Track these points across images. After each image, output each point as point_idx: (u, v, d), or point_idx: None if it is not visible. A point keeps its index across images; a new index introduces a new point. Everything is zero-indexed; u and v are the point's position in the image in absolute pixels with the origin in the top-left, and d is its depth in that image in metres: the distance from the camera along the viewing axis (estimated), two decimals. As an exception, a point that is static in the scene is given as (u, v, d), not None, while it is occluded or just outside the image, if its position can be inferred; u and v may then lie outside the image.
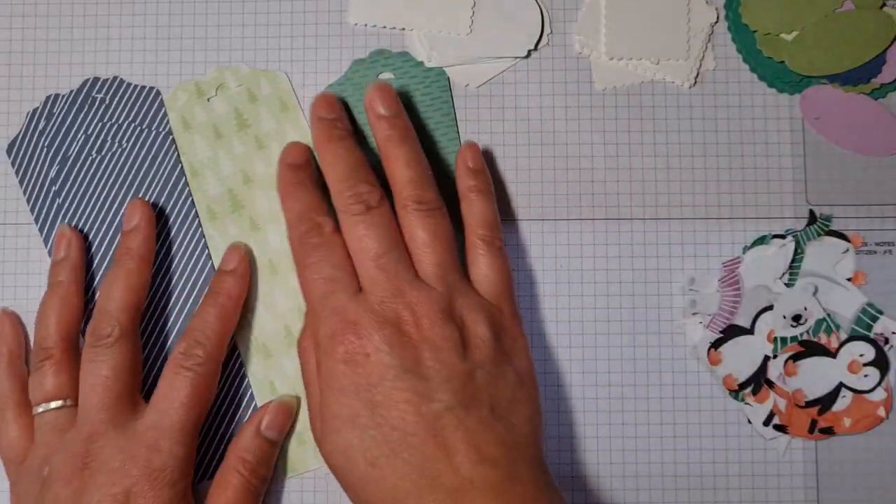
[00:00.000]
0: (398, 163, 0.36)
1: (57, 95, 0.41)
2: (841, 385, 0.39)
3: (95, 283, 0.40)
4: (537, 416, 0.35)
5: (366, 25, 0.41)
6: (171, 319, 0.40)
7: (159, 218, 0.40)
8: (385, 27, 0.41)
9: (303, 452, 0.39)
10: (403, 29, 0.40)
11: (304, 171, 0.37)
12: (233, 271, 0.38)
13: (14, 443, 0.37)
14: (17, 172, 0.40)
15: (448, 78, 0.40)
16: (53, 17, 0.41)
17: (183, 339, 0.37)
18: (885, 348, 0.39)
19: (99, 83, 0.40)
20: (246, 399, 0.39)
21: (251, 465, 0.36)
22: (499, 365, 0.34)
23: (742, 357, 0.39)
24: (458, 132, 0.40)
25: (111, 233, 0.40)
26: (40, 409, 0.36)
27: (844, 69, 0.40)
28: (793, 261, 0.39)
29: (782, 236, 0.40)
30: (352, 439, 0.32)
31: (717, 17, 0.41)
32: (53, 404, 0.36)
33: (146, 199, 0.40)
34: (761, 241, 0.40)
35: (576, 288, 0.40)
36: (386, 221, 0.35)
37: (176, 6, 0.41)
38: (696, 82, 0.41)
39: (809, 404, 0.39)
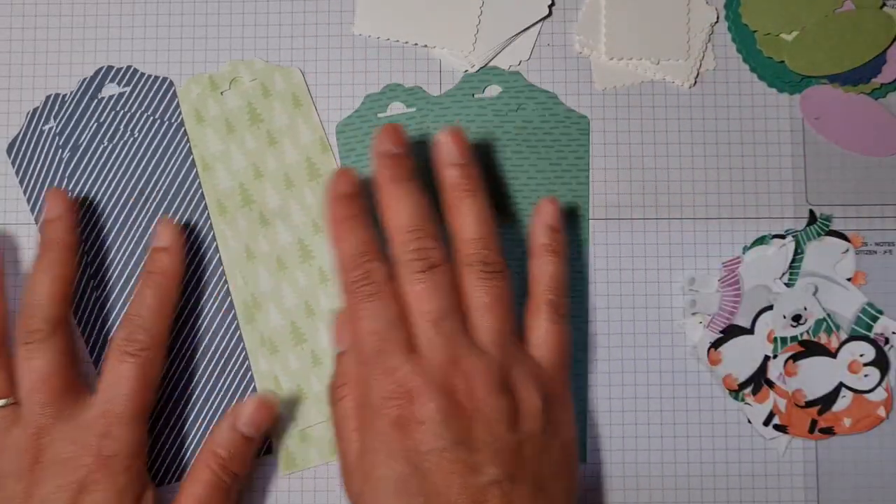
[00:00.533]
0: (467, 217, 0.35)
1: (57, 95, 0.41)
2: (841, 385, 0.39)
3: (109, 265, 0.40)
4: (574, 488, 0.35)
5: (368, 37, 0.41)
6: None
7: (168, 210, 0.40)
8: (388, 39, 0.41)
9: (305, 449, 0.39)
10: (406, 42, 0.40)
11: (355, 203, 0.35)
12: (166, 248, 0.37)
13: None
14: (17, 172, 0.40)
15: (589, 122, 0.40)
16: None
17: (122, 324, 0.36)
18: (885, 348, 0.39)
19: (112, 71, 0.40)
20: (248, 391, 0.39)
21: (223, 460, 0.36)
22: (547, 437, 0.34)
23: (742, 357, 0.39)
24: (589, 178, 0.40)
25: (119, 221, 0.40)
26: None
27: (844, 69, 0.40)
28: (793, 261, 0.39)
29: (782, 236, 0.40)
30: (395, 503, 0.32)
31: (717, 17, 0.41)
32: None
33: (156, 190, 0.40)
34: (761, 241, 0.40)
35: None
36: (448, 282, 0.34)
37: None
38: (696, 82, 0.41)
39: (809, 404, 0.39)
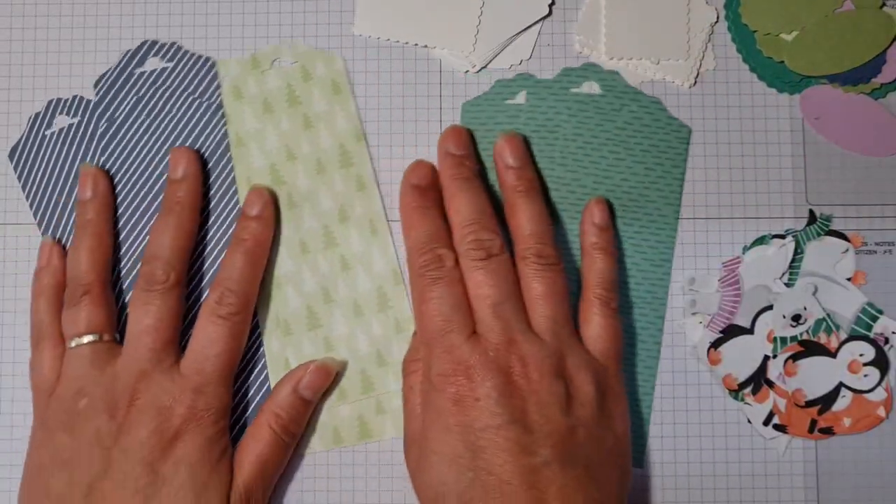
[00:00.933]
0: (522, 215, 0.37)
1: (59, 99, 0.41)
2: (841, 385, 0.39)
3: (139, 241, 0.40)
4: (626, 480, 0.36)
5: (368, 37, 0.41)
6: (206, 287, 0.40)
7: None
8: (388, 39, 0.41)
9: (382, 421, 0.39)
10: (406, 42, 0.41)
11: (428, 194, 0.38)
12: (258, 216, 0.38)
13: (48, 374, 0.37)
14: (19, 177, 0.40)
15: (690, 132, 0.40)
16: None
17: (214, 287, 0.37)
18: (885, 348, 0.39)
19: (157, 46, 0.41)
20: (258, 369, 0.40)
21: (283, 421, 0.37)
22: (600, 425, 0.35)
23: (742, 357, 0.39)
24: (682, 186, 0.40)
25: (150, 196, 0.40)
26: (73, 344, 0.37)
27: (844, 69, 0.40)
28: (793, 261, 0.39)
29: (782, 236, 0.40)
30: (448, 477, 0.33)
31: (717, 17, 0.41)
32: (88, 338, 0.37)
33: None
34: (761, 241, 0.40)
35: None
36: (505, 270, 0.36)
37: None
38: (696, 82, 0.41)
39: (809, 404, 0.39)
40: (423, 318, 0.36)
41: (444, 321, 0.35)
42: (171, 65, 0.40)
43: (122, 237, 0.40)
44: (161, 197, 0.40)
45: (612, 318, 0.37)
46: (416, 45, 0.41)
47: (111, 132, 0.40)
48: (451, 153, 0.38)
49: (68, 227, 0.40)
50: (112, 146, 0.40)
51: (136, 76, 0.40)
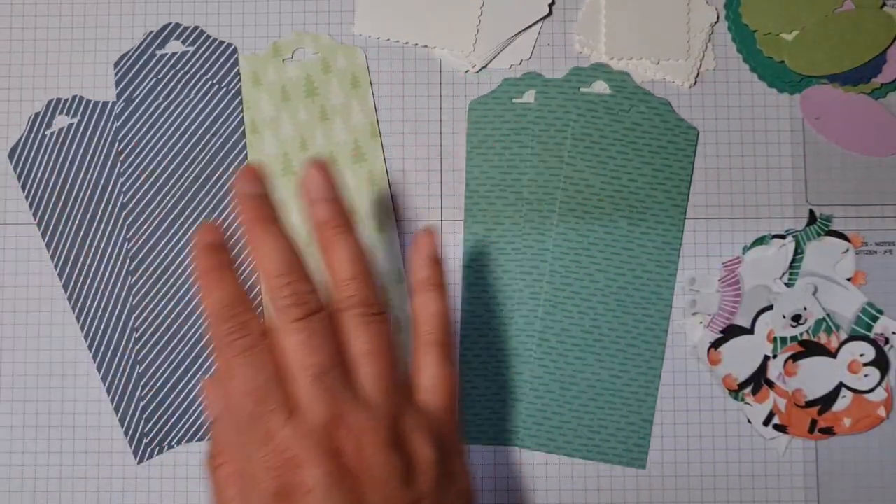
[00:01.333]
0: (342, 255, 0.32)
1: (59, 99, 0.41)
2: (841, 385, 0.39)
3: (148, 222, 0.40)
4: None
5: (368, 37, 0.41)
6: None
7: (210, 176, 0.40)
8: (388, 39, 0.41)
9: None
10: (406, 42, 0.41)
11: (223, 253, 0.32)
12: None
13: None
14: (18, 177, 0.40)
15: (697, 133, 0.40)
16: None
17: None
18: (885, 348, 0.39)
19: (179, 29, 0.41)
20: None
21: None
22: (443, 489, 0.31)
23: (742, 357, 0.39)
24: (689, 188, 0.40)
25: (162, 177, 0.40)
26: None
27: (844, 69, 0.40)
28: (793, 261, 0.39)
29: (782, 236, 0.40)
30: None
31: (717, 17, 0.41)
32: None
33: (203, 154, 0.40)
34: (761, 241, 0.40)
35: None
36: (327, 330, 0.31)
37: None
38: (696, 82, 0.41)
39: (809, 404, 0.39)
40: (231, 400, 0.30)
41: (256, 402, 0.30)
42: (192, 49, 0.41)
43: (131, 218, 0.40)
44: (173, 178, 0.40)
45: (448, 366, 0.33)
46: (417, 45, 0.41)
47: (128, 112, 0.40)
48: (249, 193, 0.32)
49: (69, 227, 0.40)
50: (128, 127, 0.40)
51: (156, 58, 0.41)
